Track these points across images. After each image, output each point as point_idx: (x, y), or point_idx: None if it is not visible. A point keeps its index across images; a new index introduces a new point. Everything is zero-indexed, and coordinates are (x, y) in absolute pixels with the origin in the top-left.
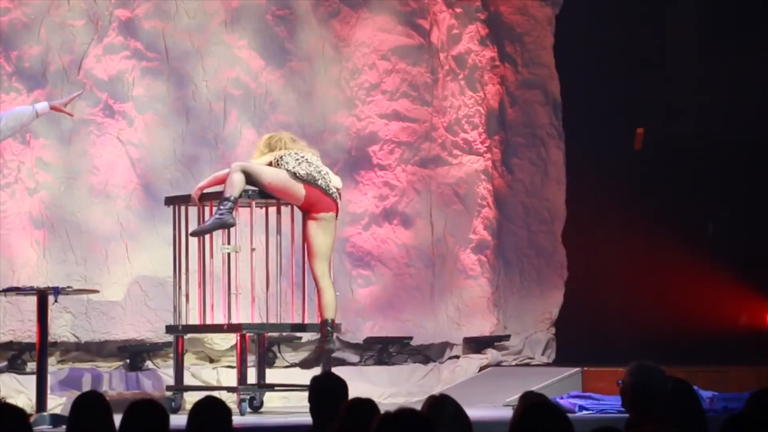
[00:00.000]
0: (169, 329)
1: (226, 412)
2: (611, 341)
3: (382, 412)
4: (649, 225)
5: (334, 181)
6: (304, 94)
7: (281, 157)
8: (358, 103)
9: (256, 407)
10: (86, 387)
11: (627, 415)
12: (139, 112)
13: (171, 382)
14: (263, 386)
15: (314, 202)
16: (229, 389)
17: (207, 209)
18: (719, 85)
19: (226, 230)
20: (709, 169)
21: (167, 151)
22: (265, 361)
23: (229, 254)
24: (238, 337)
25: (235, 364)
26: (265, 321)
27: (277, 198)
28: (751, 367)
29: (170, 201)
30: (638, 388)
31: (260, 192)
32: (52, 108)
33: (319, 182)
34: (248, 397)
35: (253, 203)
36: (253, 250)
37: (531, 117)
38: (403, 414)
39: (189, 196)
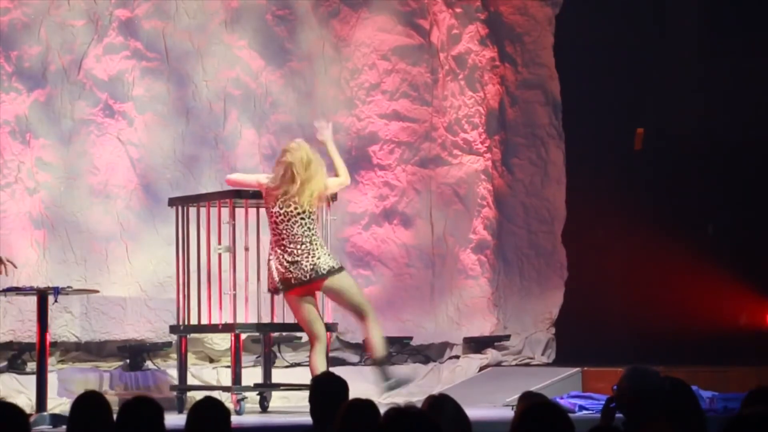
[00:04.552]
0: (173, 329)
1: (225, 412)
2: (611, 341)
3: (381, 412)
4: (649, 225)
5: (331, 185)
6: (304, 94)
7: None
8: (358, 103)
9: (265, 407)
10: (86, 387)
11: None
12: (139, 112)
13: (172, 381)
14: (266, 386)
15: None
16: (227, 389)
17: (205, 210)
18: (719, 85)
19: (229, 231)
20: (709, 169)
21: (167, 151)
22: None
23: (224, 254)
24: (232, 337)
25: None
26: (269, 321)
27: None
28: (751, 367)
29: (173, 202)
30: (635, 392)
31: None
32: None
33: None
34: (246, 397)
35: (247, 203)
36: (246, 249)
37: (531, 117)
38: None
39: (191, 196)
